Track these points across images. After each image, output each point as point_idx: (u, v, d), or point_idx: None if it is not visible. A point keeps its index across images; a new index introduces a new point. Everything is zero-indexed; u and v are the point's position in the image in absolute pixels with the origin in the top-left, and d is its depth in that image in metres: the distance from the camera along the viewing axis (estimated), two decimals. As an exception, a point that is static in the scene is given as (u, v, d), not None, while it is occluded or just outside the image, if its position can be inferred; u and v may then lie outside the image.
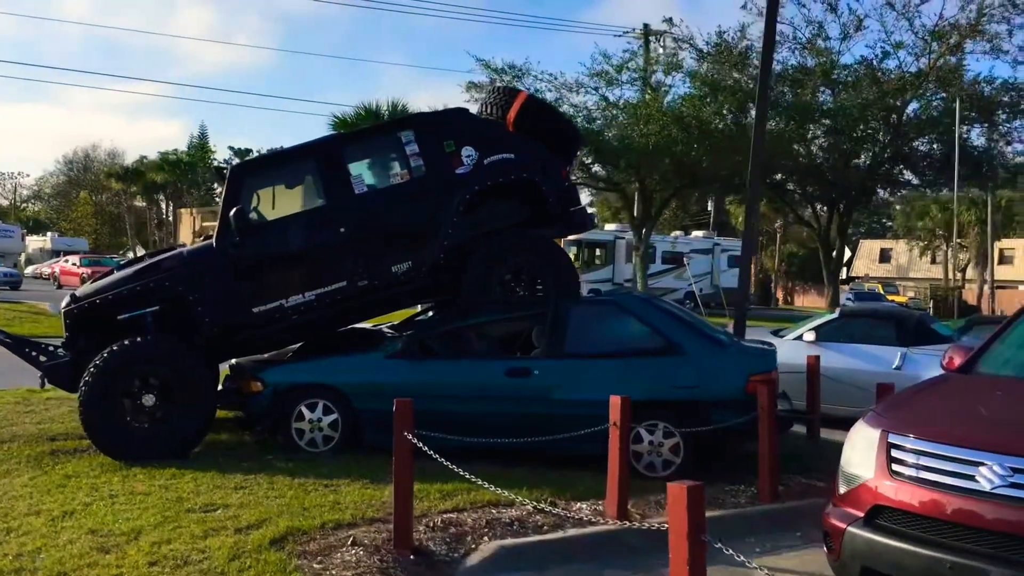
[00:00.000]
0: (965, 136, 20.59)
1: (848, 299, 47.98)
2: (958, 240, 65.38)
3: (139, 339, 8.64)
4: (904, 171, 21.04)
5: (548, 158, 9.72)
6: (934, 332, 12.44)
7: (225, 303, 9.04)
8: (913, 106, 20.18)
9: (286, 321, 9.21)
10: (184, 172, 69.45)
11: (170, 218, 74.93)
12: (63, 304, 9.15)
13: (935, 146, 20.42)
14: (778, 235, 63.68)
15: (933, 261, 75.31)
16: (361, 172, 9.46)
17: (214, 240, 9.12)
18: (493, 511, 6.94)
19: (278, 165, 9.57)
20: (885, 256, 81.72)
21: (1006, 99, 20.41)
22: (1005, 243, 69.28)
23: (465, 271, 9.26)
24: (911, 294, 61.43)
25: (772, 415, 7.78)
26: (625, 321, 8.67)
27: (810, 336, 12.42)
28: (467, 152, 9.46)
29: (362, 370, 8.84)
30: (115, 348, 8.52)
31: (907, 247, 74.00)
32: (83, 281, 41.17)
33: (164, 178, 67.37)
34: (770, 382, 8.20)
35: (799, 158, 19.60)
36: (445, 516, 6.69)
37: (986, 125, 20.23)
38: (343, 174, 9.29)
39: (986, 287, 55.12)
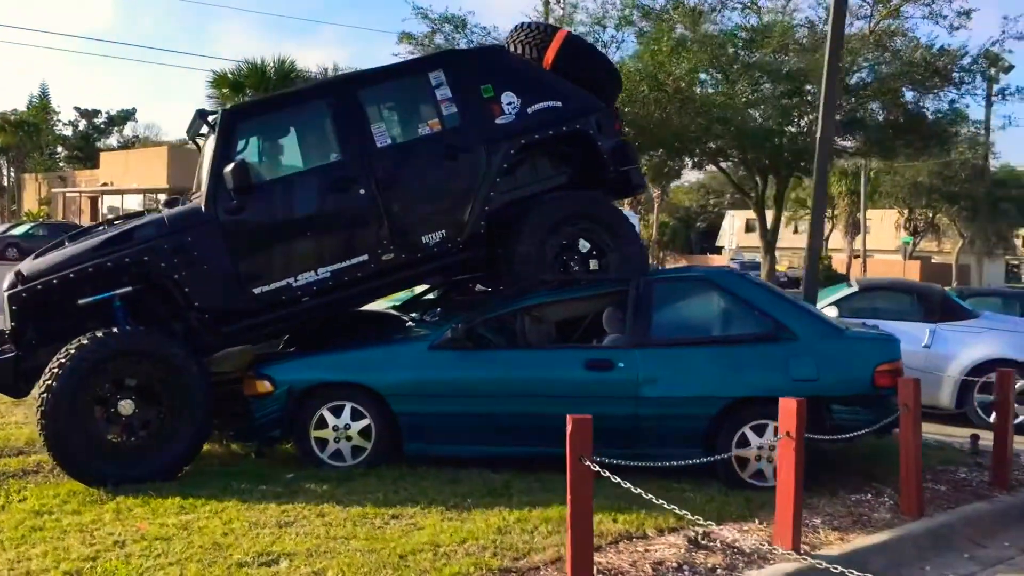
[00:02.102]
0: (912, 103, 20.08)
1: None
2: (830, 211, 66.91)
3: (115, 329, 6.72)
4: (847, 138, 20.36)
5: (599, 107, 8.22)
6: (960, 307, 11.57)
7: (219, 283, 7.19)
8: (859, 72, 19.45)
9: (294, 305, 7.42)
10: (28, 134, 63.95)
11: (12, 184, 69.14)
12: (5, 286, 7.09)
13: (879, 111, 19.78)
14: (656, 204, 63.56)
15: (795, 231, 77.12)
16: (383, 120, 7.70)
17: (203, 203, 7.23)
18: (639, 548, 5.44)
19: (281, 109, 7.71)
20: (750, 227, 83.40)
21: (941, 64, 19.85)
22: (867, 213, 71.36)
23: (514, 242, 7.67)
24: (787, 263, 62.40)
25: (918, 413, 6.56)
26: (722, 300, 7.27)
27: (831, 311, 11.34)
28: (508, 98, 7.86)
29: (401, 365, 7.15)
30: (85, 342, 6.59)
31: (772, 218, 75.36)
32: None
33: (5, 140, 61.82)
34: (900, 372, 6.99)
35: (749, 122, 18.55)
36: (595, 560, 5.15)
37: (931, 92, 19.68)
38: (362, 122, 7.54)
39: (855, 257, 56.61)
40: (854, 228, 61.61)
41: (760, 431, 6.86)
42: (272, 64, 32.64)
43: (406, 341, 7.51)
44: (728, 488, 6.79)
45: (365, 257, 7.48)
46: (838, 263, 60.13)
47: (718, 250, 70.99)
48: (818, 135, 10.55)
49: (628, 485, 4.89)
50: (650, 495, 6.32)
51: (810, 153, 19.17)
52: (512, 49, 8.52)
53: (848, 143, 21.20)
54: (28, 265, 7.19)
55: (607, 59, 9.26)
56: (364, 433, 7.11)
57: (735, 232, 43.52)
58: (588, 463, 4.36)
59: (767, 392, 6.86)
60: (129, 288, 7.08)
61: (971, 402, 10.61)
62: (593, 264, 8.07)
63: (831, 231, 68.56)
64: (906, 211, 67.37)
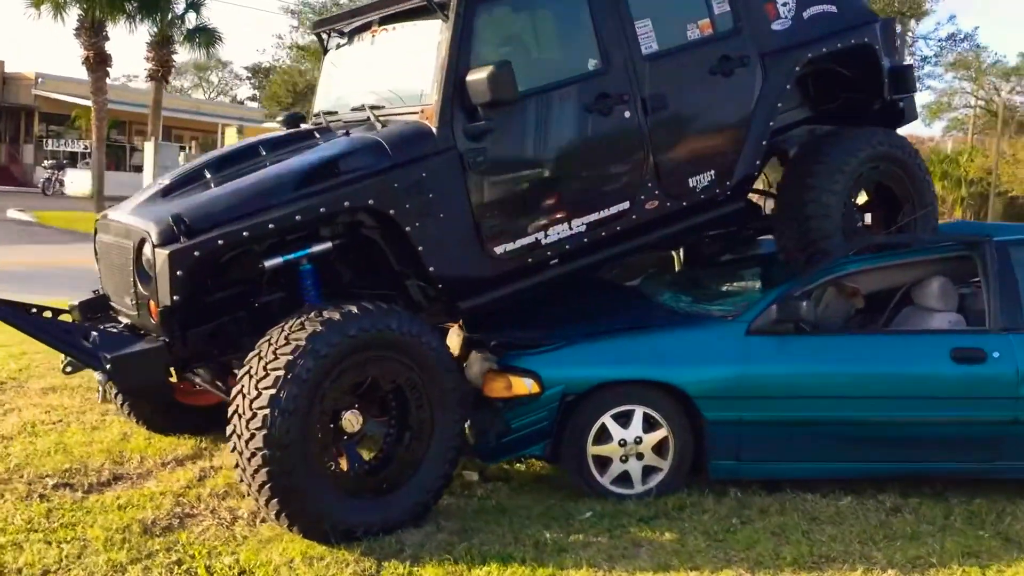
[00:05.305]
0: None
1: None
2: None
3: (353, 308, 4.45)
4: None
5: (877, 16, 6.49)
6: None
7: (458, 240, 4.98)
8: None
9: (540, 271, 5.30)
10: None
11: None
12: (155, 238, 4.58)
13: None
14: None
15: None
16: (647, 18, 5.59)
17: (433, 122, 4.95)
18: None
19: None
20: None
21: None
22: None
23: (803, 189, 5.84)
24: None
25: None
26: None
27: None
28: None
29: (713, 355, 5.20)
30: (319, 328, 4.29)
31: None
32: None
33: None
34: None
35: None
36: None
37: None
38: (625, 18, 5.46)
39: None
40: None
41: None
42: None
43: (710, 322, 5.55)
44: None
45: (626, 205, 5.45)
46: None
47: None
48: None
49: None
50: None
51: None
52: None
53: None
54: (185, 207, 4.68)
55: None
56: (659, 448, 5.18)
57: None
58: None
59: None
60: (328, 244, 4.83)
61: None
62: (868, 218, 6.38)
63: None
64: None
